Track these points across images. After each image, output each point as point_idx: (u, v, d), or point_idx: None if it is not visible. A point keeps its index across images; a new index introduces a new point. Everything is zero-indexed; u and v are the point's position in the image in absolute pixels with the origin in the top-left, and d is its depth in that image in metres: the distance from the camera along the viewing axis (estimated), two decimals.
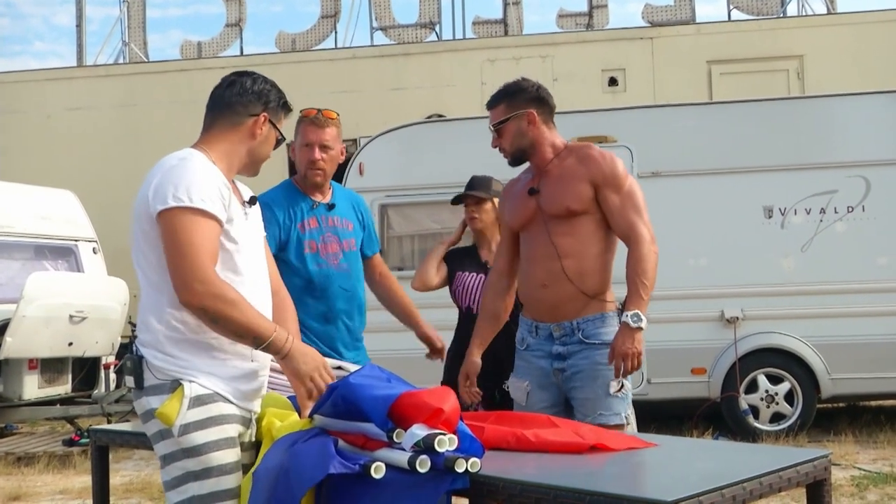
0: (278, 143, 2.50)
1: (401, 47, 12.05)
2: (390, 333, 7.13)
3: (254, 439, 2.40)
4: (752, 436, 6.94)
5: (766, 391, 7.20)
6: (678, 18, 11.72)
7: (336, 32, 12.60)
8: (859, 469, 5.87)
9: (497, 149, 3.23)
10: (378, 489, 2.07)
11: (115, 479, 6.13)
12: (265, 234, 2.60)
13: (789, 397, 7.18)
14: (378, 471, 2.04)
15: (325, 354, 2.82)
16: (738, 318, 7.06)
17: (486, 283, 3.46)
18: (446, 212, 6.58)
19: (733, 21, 11.78)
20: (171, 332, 2.26)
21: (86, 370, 8.21)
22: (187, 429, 2.23)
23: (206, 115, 2.44)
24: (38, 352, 7.56)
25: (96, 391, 8.24)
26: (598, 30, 11.94)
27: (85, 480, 6.09)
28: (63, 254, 8.60)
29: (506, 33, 12.17)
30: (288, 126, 2.53)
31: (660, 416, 7.69)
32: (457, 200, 4.01)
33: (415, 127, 7.82)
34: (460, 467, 2.05)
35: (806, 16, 11.97)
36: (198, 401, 2.24)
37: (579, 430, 2.46)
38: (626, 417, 3.05)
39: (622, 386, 3.04)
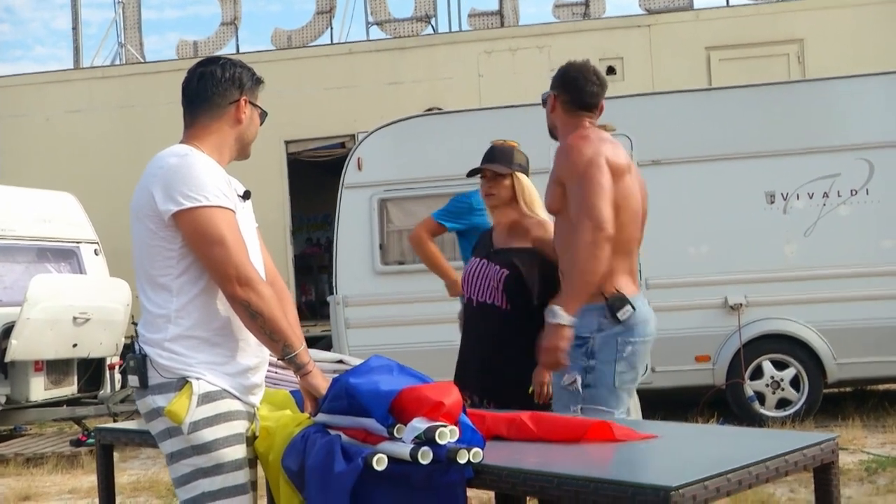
0: (262, 119, 2.51)
1: (397, 41, 12.01)
2: (403, 327, 7.24)
3: (257, 434, 2.40)
4: (758, 422, 6.92)
5: (772, 377, 7.18)
6: (676, 5, 11.64)
7: (332, 28, 12.58)
8: (868, 453, 5.85)
9: None
10: (394, 495, 2.08)
11: (123, 478, 6.14)
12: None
13: (795, 383, 7.16)
14: (380, 462, 2.04)
15: None
16: (741, 304, 7.04)
17: None
18: None
19: (732, 6, 11.70)
20: (176, 330, 2.27)
21: (91, 371, 8.23)
22: (197, 426, 2.24)
23: (186, 113, 2.43)
24: (44, 354, 7.58)
25: (102, 391, 8.26)
26: (595, 18, 11.87)
27: (93, 480, 6.05)
28: (65, 256, 8.62)
29: (502, 24, 12.11)
30: (262, 97, 2.52)
31: (664, 404, 7.67)
32: (473, 173, 3.66)
33: (412, 120, 7.79)
34: (462, 458, 2.05)
35: None
36: (206, 398, 2.26)
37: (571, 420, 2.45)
38: (576, 412, 2.94)
39: (574, 381, 2.97)
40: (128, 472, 6.42)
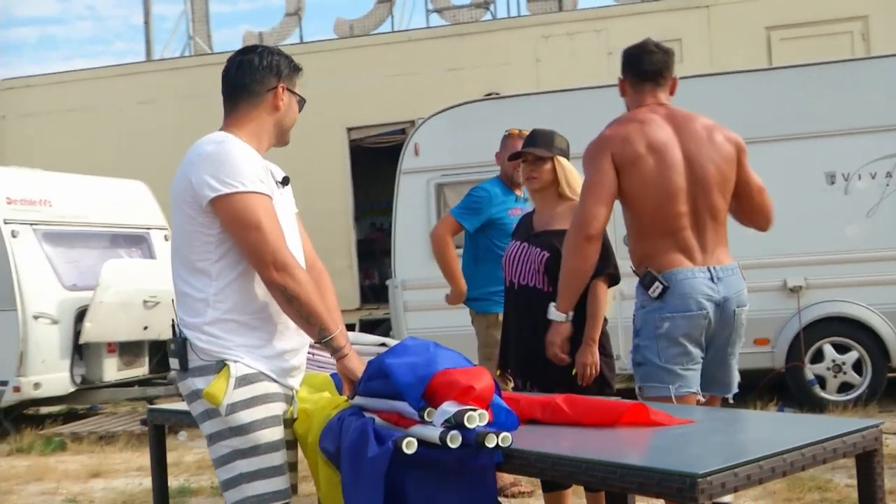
0: (300, 106, 2.55)
1: (455, 28, 12.04)
2: (461, 310, 7.28)
3: (295, 416, 2.46)
4: (818, 406, 6.82)
5: (833, 361, 7.03)
6: None
7: (392, 16, 12.70)
8: None
9: None
10: (425, 478, 2.13)
11: (188, 457, 6.37)
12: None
13: (857, 367, 7.01)
14: (409, 446, 2.07)
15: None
16: (801, 286, 6.92)
17: None
18: None
19: None
20: (215, 314, 2.31)
21: (162, 353, 8.52)
22: (234, 408, 2.28)
23: (226, 101, 2.49)
24: (116, 336, 7.89)
25: (171, 373, 8.55)
26: (653, 1, 11.69)
27: None
28: (136, 242, 8.93)
29: (560, 9, 12.03)
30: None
31: None
32: (514, 157, 3.71)
33: (468, 106, 7.81)
34: (490, 442, 2.07)
35: None
36: (244, 380, 2.30)
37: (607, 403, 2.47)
38: (639, 391, 3.08)
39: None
40: (193, 450, 6.63)
